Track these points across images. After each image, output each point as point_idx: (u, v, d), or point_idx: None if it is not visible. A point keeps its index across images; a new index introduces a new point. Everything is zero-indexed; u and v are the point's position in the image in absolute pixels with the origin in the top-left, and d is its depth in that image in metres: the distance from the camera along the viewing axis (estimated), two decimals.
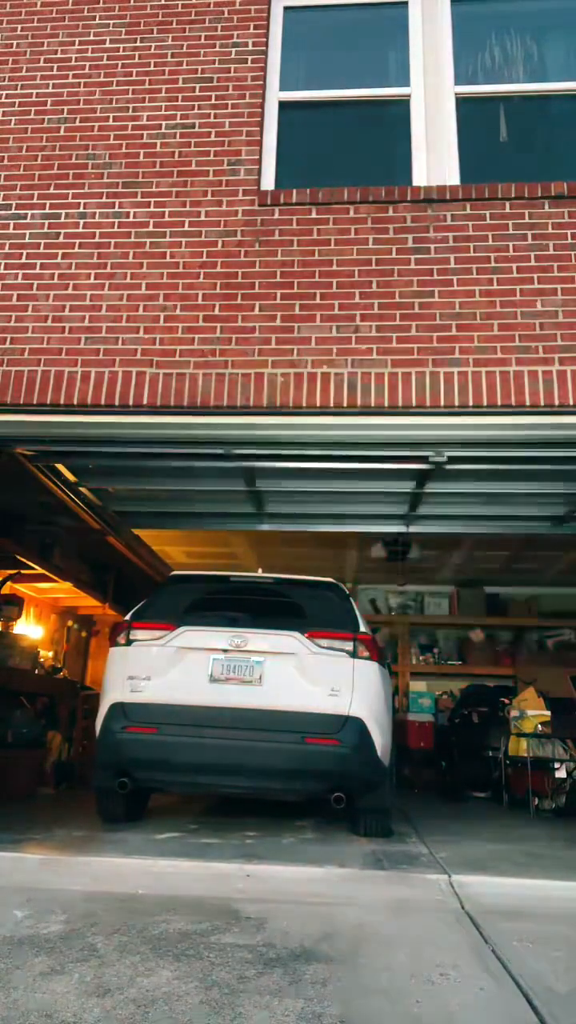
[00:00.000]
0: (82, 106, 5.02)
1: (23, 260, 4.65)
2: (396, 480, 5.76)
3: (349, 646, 4.69)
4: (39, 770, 7.17)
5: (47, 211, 4.76)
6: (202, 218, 4.66)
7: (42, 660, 8.89)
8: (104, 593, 9.85)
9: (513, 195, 4.52)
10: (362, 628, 4.89)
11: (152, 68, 5.08)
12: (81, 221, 4.72)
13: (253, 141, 4.82)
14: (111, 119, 4.96)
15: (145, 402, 4.24)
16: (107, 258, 4.61)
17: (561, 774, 6.66)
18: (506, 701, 7.93)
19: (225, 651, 4.66)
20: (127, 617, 5.04)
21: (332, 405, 4.15)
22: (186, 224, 4.65)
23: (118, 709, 4.64)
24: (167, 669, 4.67)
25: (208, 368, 4.28)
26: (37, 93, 5.10)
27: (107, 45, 5.18)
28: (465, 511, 6.62)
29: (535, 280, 4.34)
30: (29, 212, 4.77)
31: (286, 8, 5.37)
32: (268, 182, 4.83)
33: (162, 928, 2.59)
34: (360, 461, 5.16)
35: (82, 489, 6.31)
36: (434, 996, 2.09)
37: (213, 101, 4.94)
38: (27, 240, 4.70)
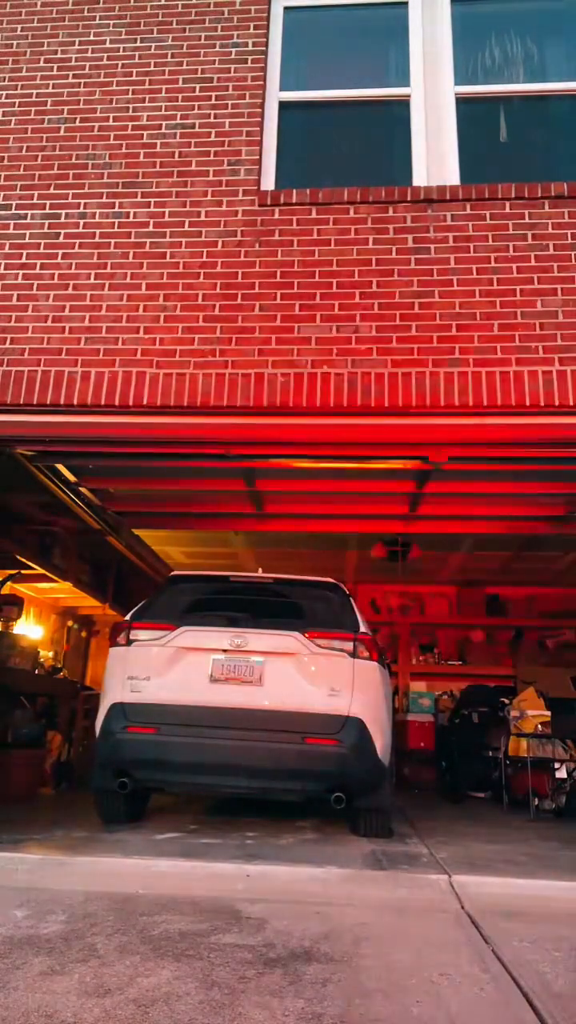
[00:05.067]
0: (82, 106, 5.02)
1: (23, 260, 4.65)
2: (396, 480, 5.76)
3: (349, 646, 4.69)
4: (39, 770, 7.16)
5: (47, 211, 4.76)
6: (202, 218, 4.66)
7: (42, 660, 8.89)
8: (104, 593, 9.85)
9: (513, 195, 4.51)
10: (362, 628, 4.88)
11: (152, 68, 5.08)
12: (81, 221, 4.71)
13: (253, 141, 4.82)
14: (111, 119, 4.96)
15: (145, 402, 4.24)
16: (107, 258, 4.61)
17: (561, 774, 6.66)
18: (506, 701, 7.93)
19: (225, 651, 4.66)
20: (127, 617, 5.04)
21: (332, 405, 4.15)
22: (186, 224, 4.65)
23: (118, 709, 4.63)
24: (167, 669, 4.67)
25: (208, 368, 4.28)
26: (37, 93, 5.10)
27: (107, 45, 5.18)
28: (465, 511, 6.62)
29: (535, 280, 4.34)
30: (29, 212, 4.77)
31: (286, 8, 5.37)
32: (268, 182, 4.83)
33: (162, 928, 2.59)
34: (360, 461, 5.16)
35: (82, 489, 6.31)
36: (434, 996, 2.09)
37: (213, 101, 4.94)
38: (27, 240, 4.70)
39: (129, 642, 4.82)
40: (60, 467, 5.66)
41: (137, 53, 5.13)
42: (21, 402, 4.30)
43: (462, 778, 8.23)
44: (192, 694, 4.59)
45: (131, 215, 4.70)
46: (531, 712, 7.18)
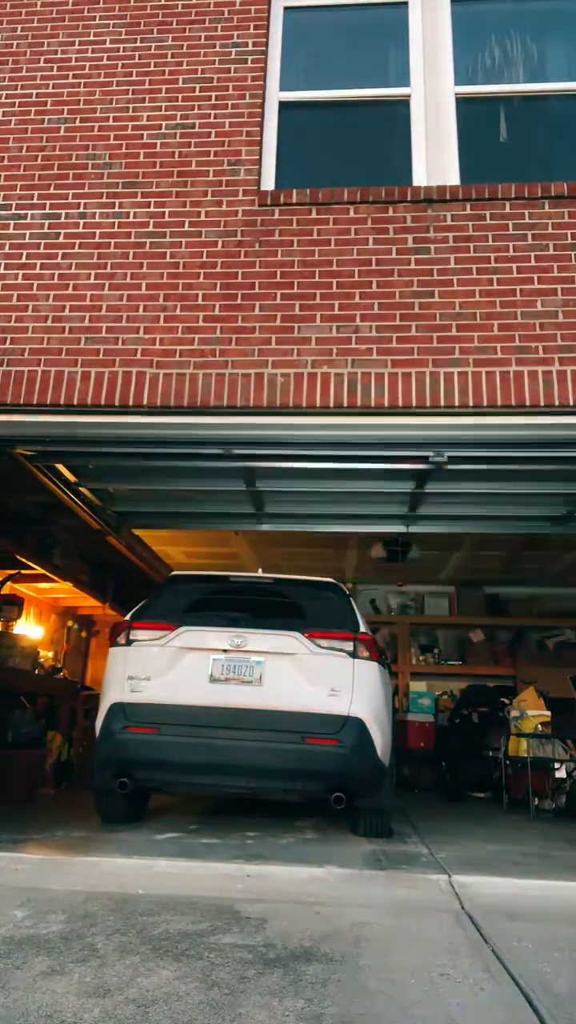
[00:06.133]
0: (82, 106, 5.02)
1: (23, 260, 4.65)
2: (396, 480, 5.76)
3: (349, 646, 4.69)
4: (39, 770, 7.17)
5: (47, 211, 4.76)
6: (202, 218, 4.66)
7: (42, 660, 8.88)
8: (104, 593, 9.85)
9: (513, 195, 4.51)
10: (362, 628, 4.88)
11: (152, 68, 5.08)
12: (81, 221, 4.71)
13: (253, 141, 4.82)
14: (111, 119, 4.96)
15: (145, 402, 4.24)
16: (107, 258, 4.61)
17: (561, 774, 6.66)
18: (506, 701, 7.93)
19: (225, 651, 4.66)
20: (127, 617, 5.04)
21: (332, 405, 4.15)
22: (186, 224, 4.65)
23: (118, 709, 4.64)
24: (167, 669, 4.67)
25: (208, 368, 4.28)
26: (37, 93, 5.10)
27: (107, 45, 5.18)
28: (465, 511, 6.62)
29: (535, 280, 4.34)
30: (29, 212, 4.77)
31: (286, 8, 5.37)
32: (268, 182, 4.83)
33: (162, 928, 2.59)
34: (360, 461, 5.16)
35: (82, 489, 6.31)
36: (434, 996, 2.09)
37: (213, 101, 4.94)
38: (27, 240, 4.70)
39: (129, 642, 4.82)
40: (60, 467, 5.65)
41: (137, 53, 5.13)
42: (21, 402, 4.30)
43: (462, 778, 8.24)
44: (192, 694, 4.59)
45: (131, 215, 4.70)
46: (531, 712, 7.18)
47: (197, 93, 4.97)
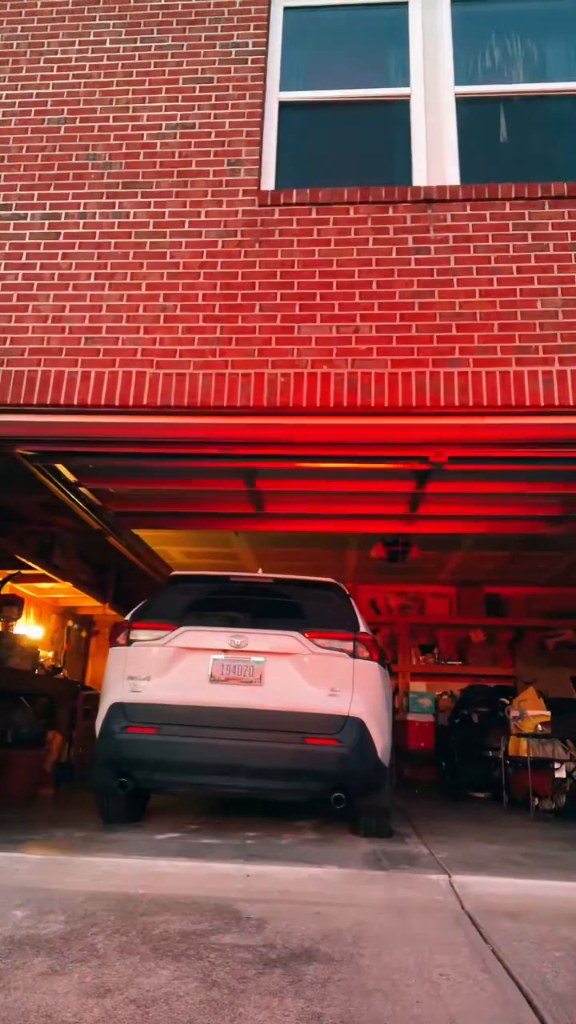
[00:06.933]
0: (82, 106, 5.02)
1: (23, 260, 4.65)
2: (396, 480, 5.76)
3: (349, 646, 4.69)
4: (39, 770, 7.16)
5: (47, 211, 4.76)
6: (202, 218, 4.66)
7: (42, 660, 8.88)
8: (104, 593, 9.85)
9: (513, 195, 4.51)
10: (362, 628, 4.88)
11: (152, 68, 5.08)
12: (81, 221, 4.71)
13: (253, 141, 4.82)
14: (111, 119, 4.96)
15: (145, 402, 4.24)
16: (107, 258, 4.61)
17: (561, 774, 6.65)
18: (506, 701, 7.93)
19: (225, 651, 4.66)
20: (127, 617, 5.04)
21: (332, 405, 4.15)
22: (186, 224, 4.65)
23: (118, 709, 4.64)
24: (167, 669, 4.67)
25: (208, 368, 4.28)
26: (37, 93, 5.09)
27: (107, 45, 5.18)
28: (465, 511, 6.62)
29: (535, 280, 4.34)
30: (29, 212, 4.77)
31: (286, 8, 5.37)
32: (268, 182, 4.83)
33: (162, 928, 2.59)
34: (360, 461, 5.16)
35: (82, 489, 6.31)
36: (434, 996, 2.09)
37: (213, 101, 4.94)
38: (27, 240, 4.70)
39: (129, 642, 4.82)
40: (60, 467, 5.65)
41: (137, 53, 5.13)
42: (21, 402, 4.30)
43: (462, 778, 8.24)
44: (192, 694, 4.59)
45: (131, 215, 4.70)
46: (531, 712, 7.18)
47: (197, 93, 4.97)
